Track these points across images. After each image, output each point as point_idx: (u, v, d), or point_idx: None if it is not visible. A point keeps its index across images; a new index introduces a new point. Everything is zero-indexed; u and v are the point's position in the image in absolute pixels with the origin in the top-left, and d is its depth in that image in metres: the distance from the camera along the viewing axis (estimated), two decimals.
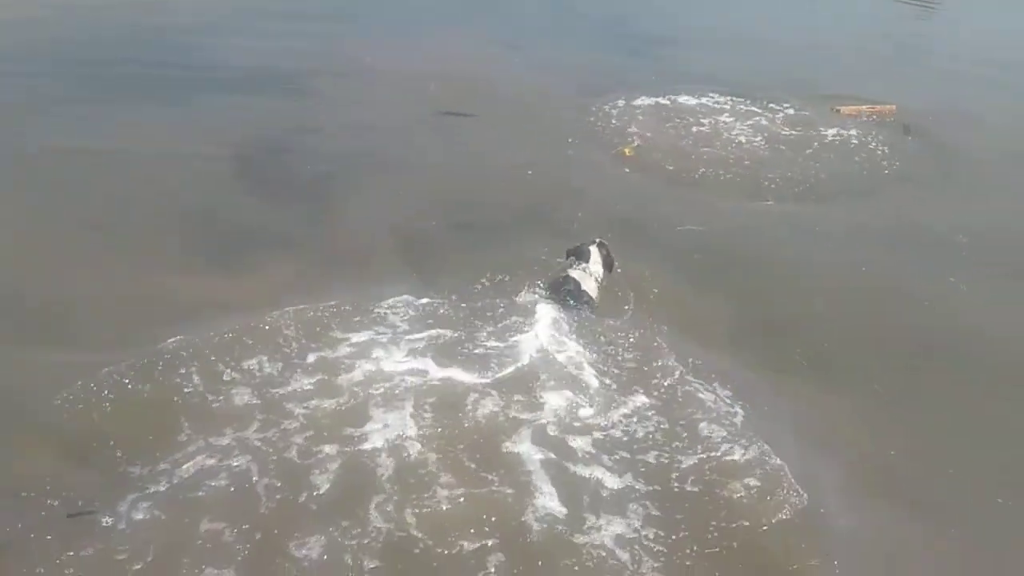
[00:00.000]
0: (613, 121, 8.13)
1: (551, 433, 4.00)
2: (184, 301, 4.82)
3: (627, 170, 7.09)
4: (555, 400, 4.20)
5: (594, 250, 5.17)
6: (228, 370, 4.22)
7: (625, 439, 4.00)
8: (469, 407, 4.12)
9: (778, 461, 3.87)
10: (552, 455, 3.87)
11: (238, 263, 5.25)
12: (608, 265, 5.21)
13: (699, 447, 3.95)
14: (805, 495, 3.70)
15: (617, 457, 3.89)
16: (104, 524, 3.38)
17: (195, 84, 8.33)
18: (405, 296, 4.91)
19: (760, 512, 3.62)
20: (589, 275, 5.09)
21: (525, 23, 11.70)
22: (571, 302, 4.91)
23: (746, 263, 5.68)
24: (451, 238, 5.74)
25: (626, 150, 7.36)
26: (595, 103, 8.50)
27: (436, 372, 4.35)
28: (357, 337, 4.55)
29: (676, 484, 3.75)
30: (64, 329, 4.56)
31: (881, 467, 4.02)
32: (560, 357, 4.45)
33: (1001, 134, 8.64)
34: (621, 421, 4.10)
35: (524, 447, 3.91)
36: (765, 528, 3.55)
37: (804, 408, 4.36)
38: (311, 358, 4.38)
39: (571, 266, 5.13)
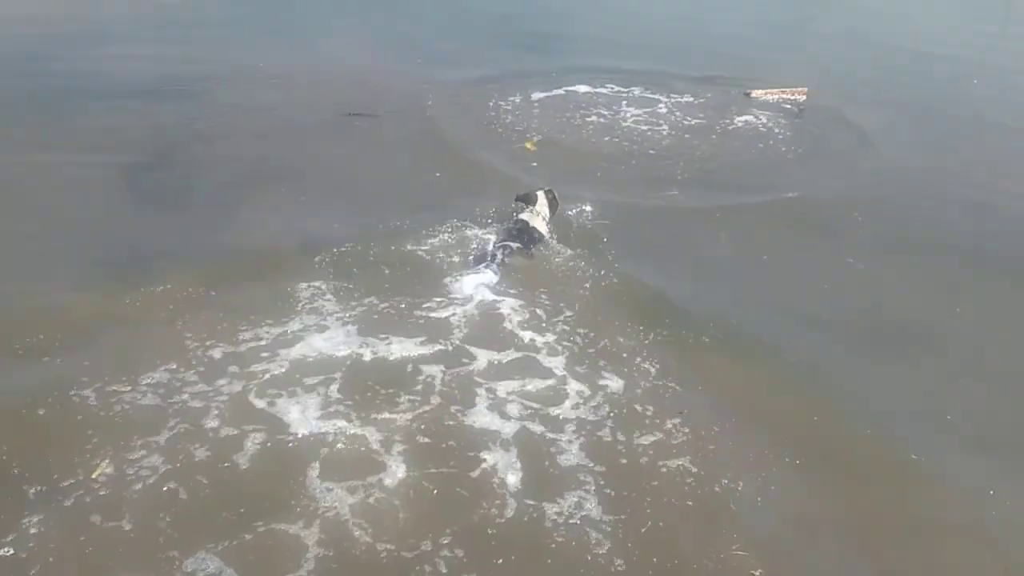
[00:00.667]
0: (510, 116, 8.09)
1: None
2: (77, 318, 4.49)
3: (534, 164, 7.06)
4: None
5: (541, 195, 5.67)
6: (126, 381, 3.99)
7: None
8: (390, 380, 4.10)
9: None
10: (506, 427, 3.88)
11: (135, 276, 4.90)
12: (553, 208, 5.67)
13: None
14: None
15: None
16: (4, 553, 3.13)
17: (81, 94, 7.90)
18: (317, 284, 4.86)
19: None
20: (537, 215, 5.57)
21: (420, 22, 11.58)
22: (523, 240, 5.31)
23: (654, 254, 5.68)
24: (358, 238, 5.53)
25: (528, 145, 7.36)
26: (493, 98, 8.50)
27: (357, 350, 4.33)
28: (267, 331, 4.42)
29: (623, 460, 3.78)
30: None
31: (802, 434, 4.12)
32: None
33: (897, 112, 9.05)
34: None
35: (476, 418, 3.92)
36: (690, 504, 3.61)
37: (721, 381, 4.42)
38: (217, 354, 4.22)
39: (520, 210, 5.57)
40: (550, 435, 3.88)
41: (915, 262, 5.85)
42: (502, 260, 5.14)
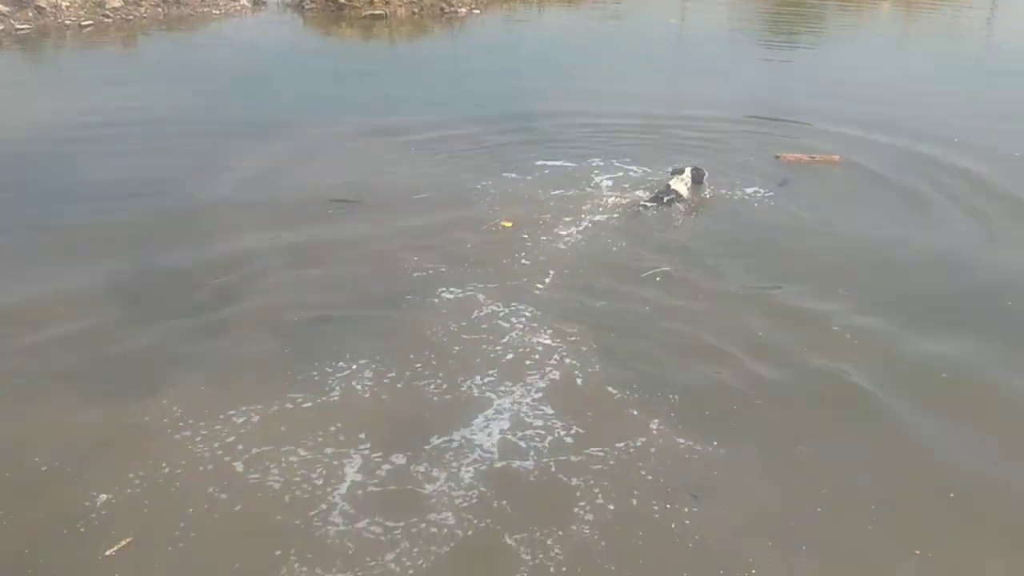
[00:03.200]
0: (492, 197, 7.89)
1: None
2: (85, 437, 4.43)
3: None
4: None
5: (688, 169, 7.89)
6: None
7: None
8: None
9: None
10: None
11: (141, 387, 4.86)
12: (698, 179, 7.89)
13: None
14: None
15: None
16: None
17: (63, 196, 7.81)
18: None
19: None
20: (681, 181, 7.74)
21: (399, 105, 11.49)
22: (664, 198, 7.60)
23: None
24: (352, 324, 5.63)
25: (504, 223, 7.31)
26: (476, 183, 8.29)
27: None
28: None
29: None
30: None
31: None
32: None
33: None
34: None
35: None
36: None
37: None
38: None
39: (671, 177, 7.80)
40: None
41: None
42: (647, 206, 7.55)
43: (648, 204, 7.63)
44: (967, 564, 3.83)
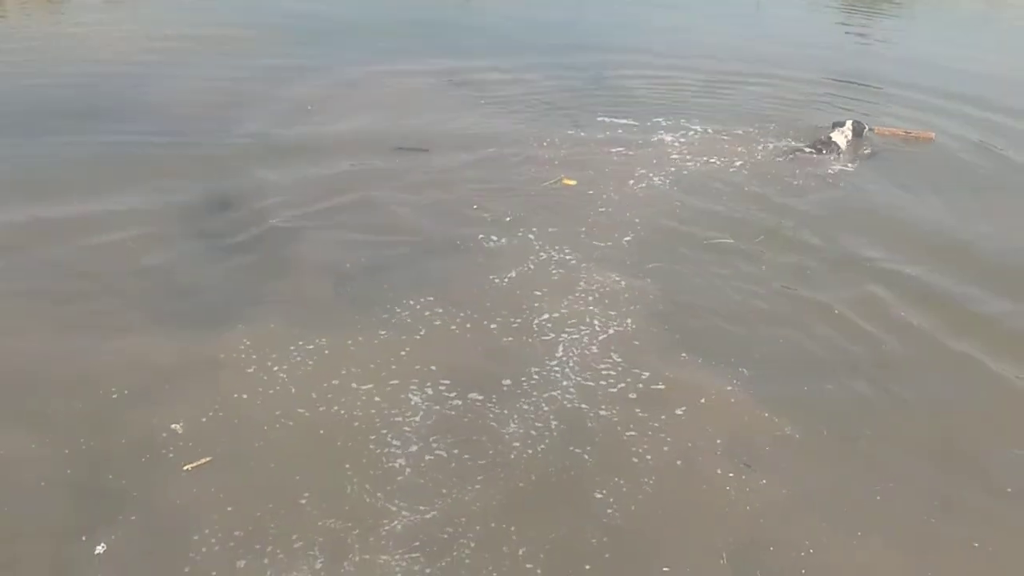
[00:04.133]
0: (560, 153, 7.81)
1: None
2: (164, 365, 4.53)
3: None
4: None
5: (849, 122, 8.18)
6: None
7: None
8: None
9: None
10: None
11: (216, 320, 4.96)
12: (858, 132, 8.13)
13: None
14: None
15: None
16: None
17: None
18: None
19: None
20: (841, 134, 8.01)
21: (469, 52, 11.25)
22: (823, 151, 7.86)
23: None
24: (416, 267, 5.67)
25: (565, 180, 7.19)
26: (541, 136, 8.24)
27: None
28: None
29: None
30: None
31: None
32: None
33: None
34: None
35: None
36: None
37: None
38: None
39: (832, 130, 8.05)
40: None
41: None
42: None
43: (807, 150, 7.92)
44: None
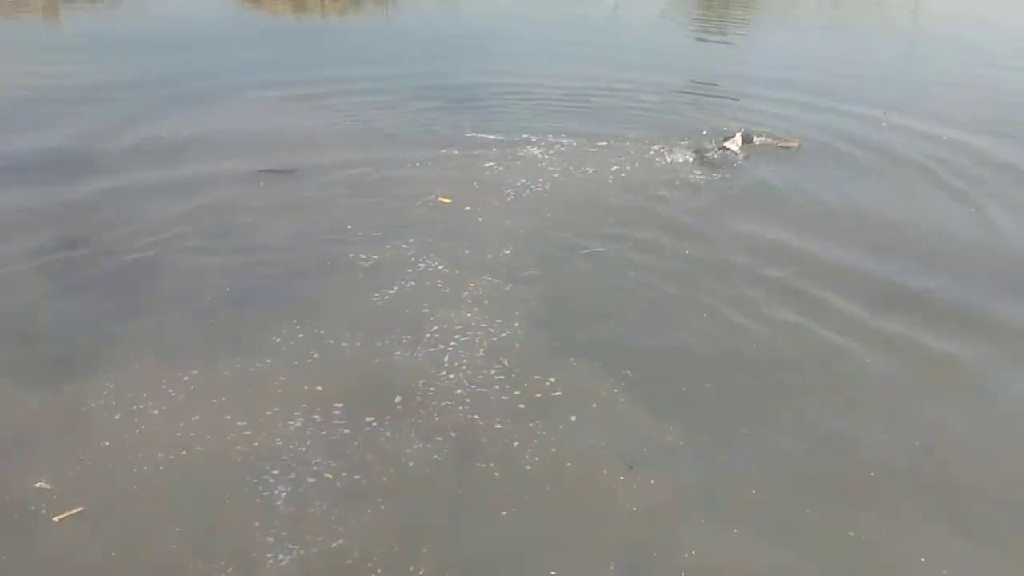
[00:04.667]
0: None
1: None
2: (21, 421, 4.19)
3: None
4: None
5: (738, 134, 8.69)
6: None
7: None
8: None
9: None
10: None
11: (74, 365, 4.62)
12: (747, 139, 8.68)
13: None
14: None
15: None
16: None
17: None
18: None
19: None
20: (732, 141, 8.58)
21: (333, 77, 11.07)
22: (717, 153, 8.39)
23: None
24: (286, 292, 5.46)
25: (441, 198, 7.11)
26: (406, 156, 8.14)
27: None
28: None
29: None
30: None
31: None
32: None
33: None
34: None
35: None
36: None
37: None
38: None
39: (724, 141, 8.60)
40: None
41: None
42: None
43: (707, 155, 8.40)
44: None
